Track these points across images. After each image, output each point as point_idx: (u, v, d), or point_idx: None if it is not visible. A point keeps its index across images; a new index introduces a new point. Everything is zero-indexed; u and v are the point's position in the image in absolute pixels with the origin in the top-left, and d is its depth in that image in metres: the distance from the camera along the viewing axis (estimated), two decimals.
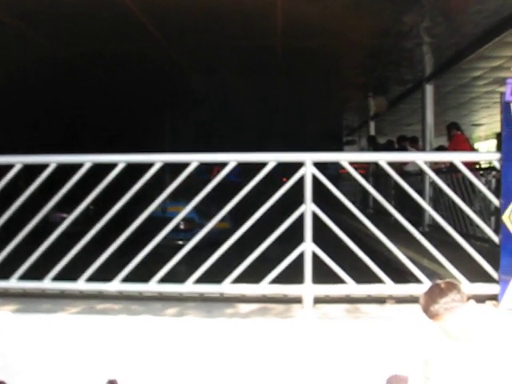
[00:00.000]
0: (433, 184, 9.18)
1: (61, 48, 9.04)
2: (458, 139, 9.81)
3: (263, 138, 18.83)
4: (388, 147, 13.19)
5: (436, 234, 5.06)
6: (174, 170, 4.65)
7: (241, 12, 7.26)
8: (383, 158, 4.17)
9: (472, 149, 10.34)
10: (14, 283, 4.28)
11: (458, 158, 4.16)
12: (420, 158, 4.25)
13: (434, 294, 2.71)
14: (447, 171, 8.05)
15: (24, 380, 3.62)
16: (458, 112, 15.69)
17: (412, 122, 16.29)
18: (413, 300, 4.07)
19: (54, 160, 4.23)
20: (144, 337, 3.81)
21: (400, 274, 4.31)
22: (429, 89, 10.76)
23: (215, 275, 4.08)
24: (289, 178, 4.08)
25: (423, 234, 4.13)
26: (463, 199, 4.63)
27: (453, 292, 2.68)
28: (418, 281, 4.01)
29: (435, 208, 7.39)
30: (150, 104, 14.76)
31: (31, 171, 4.29)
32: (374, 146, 14.16)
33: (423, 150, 10.83)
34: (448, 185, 4.65)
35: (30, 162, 4.35)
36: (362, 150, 19.79)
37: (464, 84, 11.98)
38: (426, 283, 3.89)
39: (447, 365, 2.61)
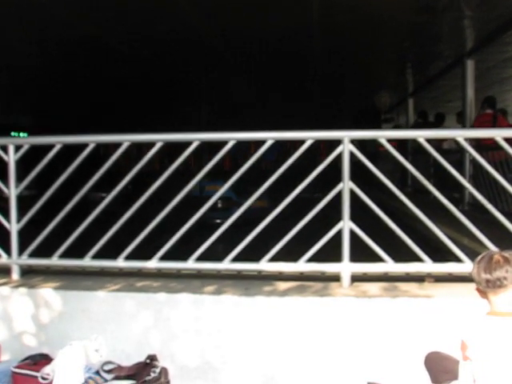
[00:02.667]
0: (473, 161, 9.00)
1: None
2: (483, 119, 9.59)
3: (301, 119, 18.80)
4: (436, 123, 12.97)
5: (476, 213, 4.95)
6: (212, 148, 4.66)
7: None
8: (422, 135, 4.10)
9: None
10: (55, 261, 4.38)
11: (500, 134, 4.05)
12: (460, 135, 4.16)
13: (488, 265, 2.64)
14: (488, 148, 7.88)
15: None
16: (500, 88, 15.27)
17: (452, 98, 15.95)
18: (452, 279, 4.03)
19: (92, 140, 4.27)
20: (183, 313, 3.85)
21: (439, 253, 4.25)
22: (470, 64, 10.51)
23: (253, 253, 4.09)
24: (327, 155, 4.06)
25: (463, 212, 4.05)
26: (504, 177, 4.51)
27: (508, 265, 2.60)
28: (457, 259, 3.94)
29: (476, 186, 7.26)
30: (185, 89, 14.83)
31: (70, 152, 4.35)
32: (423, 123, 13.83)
33: (464, 126, 10.62)
34: (489, 162, 4.54)
35: (69, 142, 4.42)
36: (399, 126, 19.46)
37: (507, 58, 11.62)
38: (466, 262, 3.83)
39: (489, 345, 2.56)
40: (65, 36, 9.33)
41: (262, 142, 4.08)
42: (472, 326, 2.67)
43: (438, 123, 12.89)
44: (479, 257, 2.73)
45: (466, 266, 3.76)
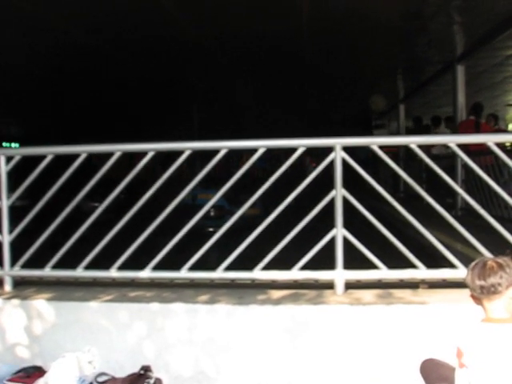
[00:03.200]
0: (465, 167, 9.03)
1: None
2: (466, 124, 9.73)
3: (292, 124, 18.82)
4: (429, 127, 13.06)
5: (469, 218, 4.96)
6: (204, 157, 4.65)
7: None
8: (414, 141, 4.10)
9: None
10: (48, 272, 4.35)
11: (492, 139, 4.06)
12: (452, 141, 4.17)
13: (482, 271, 2.64)
14: (478, 153, 7.91)
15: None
16: (491, 92, 15.38)
17: (443, 103, 16.02)
18: (446, 285, 4.03)
19: (84, 150, 4.26)
20: (177, 323, 3.83)
21: (433, 259, 4.25)
22: (460, 69, 10.57)
23: (246, 262, 4.07)
24: (317, 163, 4.06)
25: (456, 217, 4.06)
26: (496, 181, 4.53)
27: (502, 271, 2.60)
28: (451, 265, 3.94)
29: (468, 191, 7.28)
30: (179, 93, 14.82)
31: (62, 162, 4.33)
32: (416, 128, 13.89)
33: (454, 132, 10.65)
34: (480, 167, 4.55)
35: (60, 153, 4.40)
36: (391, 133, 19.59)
37: (497, 63, 11.71)
38: (460, 268, 3.84)
39: (484, 351, 2.55)
40: (55, 43, 9.31)
41: (254, 150, 4.08)
42: (467, 332, 2.67)
43: (434, 126, 12.88)
44: (473, 263, 2.73)
45: (459, 272, 3.76)
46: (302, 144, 4.03)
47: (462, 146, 4.11)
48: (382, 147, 4.07)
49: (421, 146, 4.08)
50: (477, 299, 2.69)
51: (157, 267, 4.16)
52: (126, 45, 9.79)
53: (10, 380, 3.66)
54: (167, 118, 20.01)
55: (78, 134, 17.89)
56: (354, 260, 3.99)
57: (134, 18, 8.11)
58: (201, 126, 18.23)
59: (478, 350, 2.56)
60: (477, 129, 9.54)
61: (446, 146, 4.28)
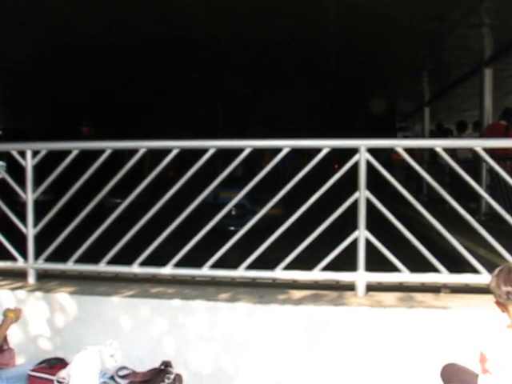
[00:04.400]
0: (490, 171, 8.93)
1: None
2: (493, 128, 9.59)
3: (316, 125, 18.77)
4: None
5: (493, 223, 4.91)
6: (227, 156, 4.67)
7: None
8: (439, 145, 4.08)
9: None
10: (71, 266, 4.40)
11: None
12: (478, 145, 4.12)
13: (508, 277, 2.62)
14: (503, 158, 7.81)
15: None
16: None
17: (469, 107, 15.85)
18: (468, 290, 4.00)
19: (109, 146, 4.30)
20: (198, 320, 3.85)
21: (455, 264, 4.21)
22: (488, 73, 10.44)
23: (267, 261, 4.08)
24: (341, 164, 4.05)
25: (479, 222, 4.02)
26: None
27: None
28: (473, 270, 3.91)
29: (492, 196, 7.21)
30: (203, 92, 14.87)
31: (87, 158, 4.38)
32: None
33: (481, 136, 10.54)
34: (506, 172, 4.49)
35: (86, 148, 4.46)
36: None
37: None
38: (483, 273, 3.80)
39: (510, 358, 2.52)
40: (67, 39, 9.38)
41: (277, 150, 4.08)
42: (492, 338, 2.64)
43: (460, 132, 12.77)
44: (497, 270, 2.71)
45: (482, 278, 3.73)
46: (326, 145, 4.03)
47: (487, 151, 4.07)
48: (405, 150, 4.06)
49: (445, 150, 4.06)
50: (502, 306, 2.66)
51: (178, 264, 4.19)
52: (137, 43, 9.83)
53: (33, 370, 3.71)
54: (190, 118, 20.07)
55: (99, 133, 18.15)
56: (376, 262, 3.98)
57: (156, 16, 8.15)
58: (224, 126, 18.28)
59: (503, 356, 2.54)
60: (505, 134, 9.41)
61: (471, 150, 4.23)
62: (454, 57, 10.88)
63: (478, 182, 8.58)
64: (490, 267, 3.85)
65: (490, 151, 4.19)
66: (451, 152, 9.46)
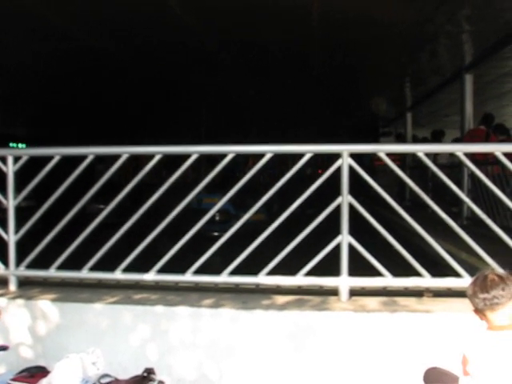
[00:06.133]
0: (471, 176, 9.01)
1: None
2: (474, 133, 9.73)
3: (299, 131, 18.82)
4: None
5: (475, 227, 4.95)
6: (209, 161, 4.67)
7: (276, 3, 7.23)
8: (421, 149, 4.10)
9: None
10: (52, 273, 4.36)
11: (499, 149, 4.06)
12: (459, 150, 4.16)
13: (483, 284, 2.64)
14: (484, 163, 7.89)
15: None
16: (499, 102, 15.33)
17: (450, 112, 16.00)
18: (451, 294, 4.02)
19: (91, 152, 4.28)
20: (181, 326, 3.84)
21: (437, 268, 4.24)
22: (468, 78, 10.53)
23: (251, 267, 4.08)
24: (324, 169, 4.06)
25: (462, 226, 4.05)
26: (503, 191, 4.52)
27: (503, 283, 2.61)
28: (456, 274, 3.94)
29: (474, 200, 7.28)
30: (188, 99, 14.87)
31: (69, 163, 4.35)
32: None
33: (461, 141, 10.64)
34: (487, 176, 4.54)
35: (68, 154, 4.43)
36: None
37: (506, 73, 11.64)
38: (465, 277, 3.83)
39: (489, 360, 2.55)
40: (64, 47, 9.37)
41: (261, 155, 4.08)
42: (473, 340, 2.67)
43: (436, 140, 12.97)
44: (473, 278, 2.76)
45: (464, 281, 3.74)
46: (309, 150, 4.04)
47: (468, 155, 4.10)
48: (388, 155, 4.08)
49: (427, 155, 4.09)
50: (481, 313, 2.69)
51: (162, 270, 4.17)
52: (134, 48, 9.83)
53: (13, 379, 3.66)
54: (174, 122, 20.03)
55: (81, 136, 18.04)
56: (359, 267, 3.99)
57: (142, 21, 8.15)
58: (207, 131, 18.27)
59: (484, 357, 2.56)
60: (487, 139, 9.51)
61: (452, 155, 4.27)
62: (436, 63, 10.98)
63: (460, 186, 8.67)
64: (471, 271, 3.89)
65: (471, 156, 4.24)
66: (433, 157, 9.61)
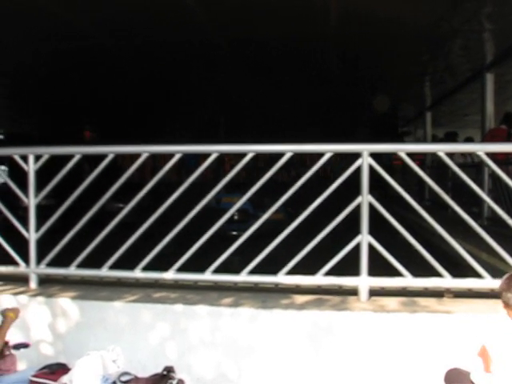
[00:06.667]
0: (492, 176, 8.93)
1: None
2: (495, 133, 9.60)
3: (317, 130, 18.77)
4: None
5: (495, 228, 4.91)
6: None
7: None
8: (442, 149, 4.07)
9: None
10: (73, 271, 4.40)
11: None
12: (480, 149, 4.12)
13: None
14: (505, 162, 7.81)
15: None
16: None
17: (470, 112, 15.86)
18: (471, 294, 3.99)
19: (111, 150, 4.30)
20: (200, 325, 3.84)
21: (458, 268, 4.21)
22: (489, 77, 10.44)
23: (270, 266, 4.07)
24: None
25: (482, 227, 4.01)
26: None
27: None
28: (476, 275, 3.90)
29: (494, 200, 7.20)
30: (204, 98, 14.89)
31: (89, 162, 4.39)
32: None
33: (482, 140, 10.54)
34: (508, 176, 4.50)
35: (88, 153, 4.46)
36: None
37: None
38: (486, 277, 3.79)
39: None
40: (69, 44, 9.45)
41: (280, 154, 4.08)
42: (498, 338, 2.66)
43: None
44: (506, 275, 2.75)
45: (485, 282, 3.72)
46: (329, 149, 4.02)
47: (489, 155, 4.06)
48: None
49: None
50: (510, 308, 2.68)
51: (181, 269, 4.18)
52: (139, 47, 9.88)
53: (35, 376, 3.70)
54: (193, 122, 20.11)
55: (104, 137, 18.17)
56: (379, 267, 3.96)
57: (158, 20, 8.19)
58: (227, 130, 18.31)
59: (506, 357, 2.55)
60: (508, 138, 9.42)
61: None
62: (456, 62, 10.89)
63: (481, 186, 8.59)
64: (492, 272, 3.86)
65: (492, 156, 4.20)
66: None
